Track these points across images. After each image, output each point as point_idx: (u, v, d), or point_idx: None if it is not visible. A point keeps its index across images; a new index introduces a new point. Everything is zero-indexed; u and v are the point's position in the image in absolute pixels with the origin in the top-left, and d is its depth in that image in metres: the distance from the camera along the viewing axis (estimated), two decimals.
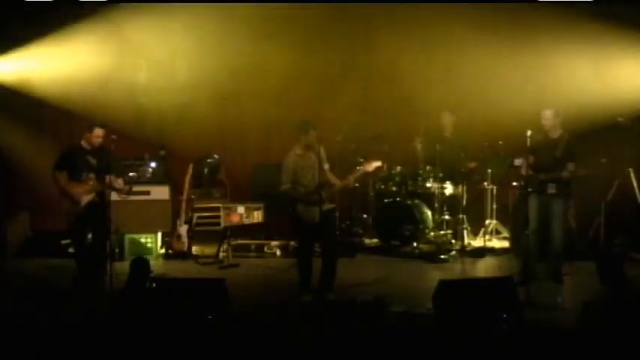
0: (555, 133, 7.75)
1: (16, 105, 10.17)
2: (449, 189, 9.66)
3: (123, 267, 7.55)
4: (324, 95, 10.20)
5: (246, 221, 9.39)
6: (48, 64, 10.10)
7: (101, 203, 7.80)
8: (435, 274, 7.58)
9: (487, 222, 9.95)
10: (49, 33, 9.88)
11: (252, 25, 10.11)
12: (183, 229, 9.23)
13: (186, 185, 9.26)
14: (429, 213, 9.57)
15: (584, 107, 9.19)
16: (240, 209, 9.38)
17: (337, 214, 7.48)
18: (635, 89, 9.70)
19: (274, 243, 9.57)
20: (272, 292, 7.61)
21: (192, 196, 9.48)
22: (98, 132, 7.92)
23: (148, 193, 9.39)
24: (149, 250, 9.16)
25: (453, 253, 9.34)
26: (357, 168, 7.77)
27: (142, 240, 9.28)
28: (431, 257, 9.12)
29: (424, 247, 9.39)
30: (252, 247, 9.70)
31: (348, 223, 10.07)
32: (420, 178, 9.67)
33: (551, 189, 7.68)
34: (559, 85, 9.57)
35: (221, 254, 9.17)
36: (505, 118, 9.45)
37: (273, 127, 10.53)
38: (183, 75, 10.55)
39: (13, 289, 7.38)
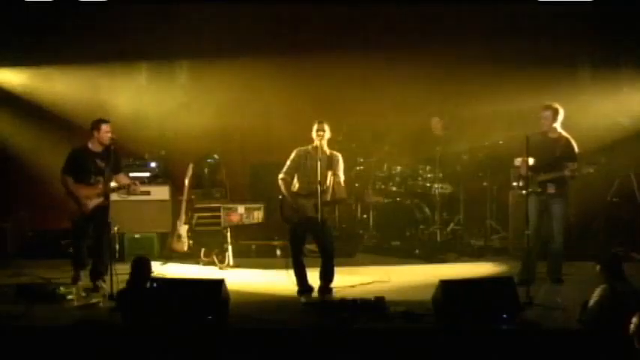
0: (554, 133, 7.75)
1: (17, 105, 10.17)
2: (448, 189, 9.66)
3: (123, 267, 7.56)
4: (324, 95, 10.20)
5: (246, 221, 9.39)
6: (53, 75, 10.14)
7: (105, 205, 7.77)
8: (435, 274, 7.56)
9: (487, 222, 9.95)
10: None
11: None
12: (183, 229, 9.22)
13: (187, 185, 9.26)
14: (429, 213, 9.57)
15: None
16: (241, 209, 9.39)
17: (327, 221, 7.40)
18: None
19: (274, 243, 9.57)
20: (272, 292, 7.60)
21: (193, 197, 9.48)
22: (107, 127, 7.83)
23: (148, 193, 9.40)
24: (149, 250, 9.15)
25: (453, 253, 9.36)
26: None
27: (142, 240, 9.28)
28: (431, 257, 9.13)
29: (424, 247, 9.37)
30: (253, 247, 9.70)
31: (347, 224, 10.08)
32: (420, 178, 9.67)
33: (551, 189, 7.68)
34: None
35: (221, 255, 9.16)
36: (505, 118, 9.47)
37: (273, 127, 10.53)
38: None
39: (13, 289, 7.36)
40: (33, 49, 9.88)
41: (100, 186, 7.78)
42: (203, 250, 9.21)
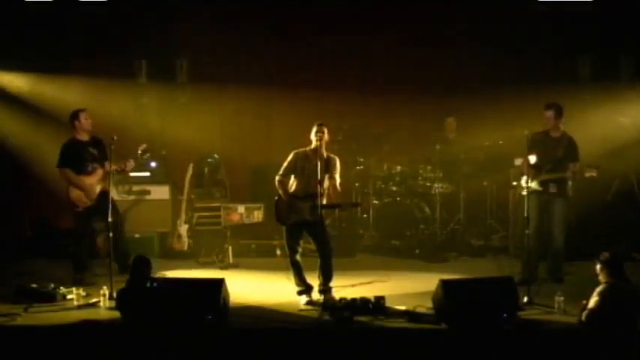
0: (557, 133, 7.74)
1: (17, 104, 10.17)
2: (448, 189, 9.66)
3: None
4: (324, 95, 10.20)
5: (246, 221, 9.40)
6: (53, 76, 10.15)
7: (107, 191, 7.85)
8: (435, 274, 7.56)
9: (487, 221, 9.94)
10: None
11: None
12: (183, 229, 9.23)
13: (187, 185, 9.26)
14: (429, 212, 9.57)
15: None
16: (241, 209, 9.39)
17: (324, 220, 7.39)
18: None
19: (274, 243, 9.56)
20: (271, 292, 7.60)
21: (193, 196, 9.48)
22: (85, 115, 8.03)
23: (148, 192, 9.40)
24: (149, 250, 9.14)
25: (453, 253, 9.36)
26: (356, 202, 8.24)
27: (142, 240, 9.28)
28: (431, 257, 9.13)
29: (424, 246, 9.37)
30: (252, 246, 9.70)
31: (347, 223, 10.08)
32: (420, 178, 9.67)
33: (552, 188, 7.68)
34: None
35: (221, 254, 9.16)
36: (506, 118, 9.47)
37: (273, 127, 10.53)
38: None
39: (13, 289, 7.36)
40: (33, 52, 9.91)
41: (100, 171, 7.95)
42: (203, 249, 9.22)
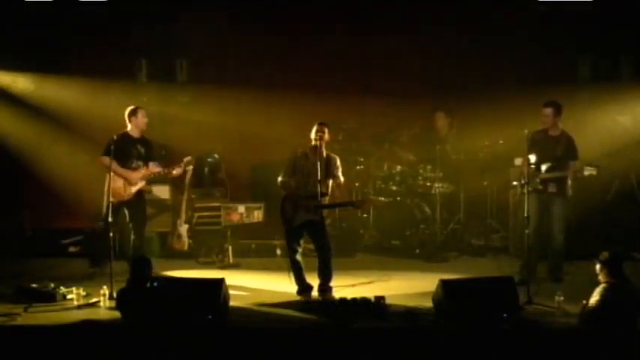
0: (556, 131, 7.74)
1: (17, 104, 10.17)
2: (449, 188, 9.65)
3: (122, 266, 7.57)
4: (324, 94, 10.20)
5: (246, 220, 9.39)
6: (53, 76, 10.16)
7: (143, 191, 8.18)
8: (435, 274, 7.56)
9: (487, 221, 9.94)
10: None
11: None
12: (183, 229, 9.23)
13: (187, 185, 9.26)
14: (430, 212, 9.57)
15: None
16: (241, 209, 9.39)
17: (324, 219, 7.40)
18: None
19: (274, 243, 9.56)
20: (271, 291, 7.61)
21: (193, 196, 9.48)
22: (143, 113, 8.23)
23: (150, 191, 9.39)
24: (149, 250, 9.14)
25: (453, 252, 9.35)
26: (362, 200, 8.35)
27: None
28: (431, 257, 9.12)
29: (424, 246, 9.37)
30: (253, 246, 9.70)
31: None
32: (420, 178, 9.67)
33: (552, 188, 7.68)
34: None
35: (221, 254, 9.16)
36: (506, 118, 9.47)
37: (273, 126, 10.52)
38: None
39: (13, 288, 7.36)
40: (33, 52, 9.91)
41: (143, 170, 8.14)
42: (203, 249, 9.22)
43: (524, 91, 9.66)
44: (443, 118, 9.81)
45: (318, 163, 7.10)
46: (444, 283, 6.38)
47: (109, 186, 7.62)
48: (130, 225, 8.17)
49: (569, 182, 7.69)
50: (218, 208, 9.39)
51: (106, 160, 7.74)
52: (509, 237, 9.54)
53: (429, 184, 9.59)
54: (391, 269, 8.60)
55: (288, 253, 7.34)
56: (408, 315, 6.41)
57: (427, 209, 9.58)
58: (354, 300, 6.69)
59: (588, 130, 8.83)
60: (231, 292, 6.68)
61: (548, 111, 7.69)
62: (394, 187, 9.80)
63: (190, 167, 8.45)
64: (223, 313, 6.37)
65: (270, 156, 10.08)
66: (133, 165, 8.16)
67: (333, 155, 7.36)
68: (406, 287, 7.68)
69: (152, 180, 8.48)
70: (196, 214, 9.44)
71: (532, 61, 10.09)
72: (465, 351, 5.89)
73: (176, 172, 8.29)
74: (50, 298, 7.08)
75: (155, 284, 6.50)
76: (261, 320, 6.50)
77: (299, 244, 7.32)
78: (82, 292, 7.06)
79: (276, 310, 6.88)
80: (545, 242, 7.80)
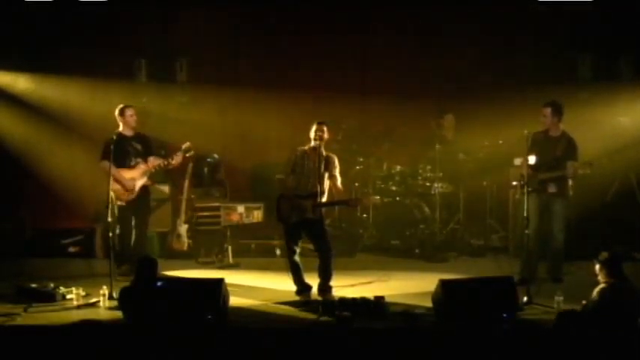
0: (556, 132, 7.74)
1: (17, 104, 10.16)
2: (448, 188, 9.65)
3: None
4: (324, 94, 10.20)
5: (246, 221, 9.39)
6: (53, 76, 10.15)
7: (148, 185, 8.24)
8: (435, 274, 7.55)
9: (487, 221, 9.94)
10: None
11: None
12: (183, 229, 9.22)
13: (186, 185, 9.26)
14: (429, 212, 9.56)
15: None
16: (240, 209, 9.38)
17: (324, 219, 7.41)
18: None
19: (274, 243, 9.56)
20: (271, 291, 7.60)
21: (192, 196, 9.48)
22: (131, 111, 8.28)
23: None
24: (149, 249, 9.13)
25: (453, 252, 9.35)
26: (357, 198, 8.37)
27: None
28: (431, 257, 9.12)
29: (424, 246, 9.36)
30: (252, 246, 9.69)
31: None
32: (420, 178, 9.67)
33: (552, 188, 7.68)
34: None
35: (220, 254, 9.16)
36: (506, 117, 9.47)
37: (273, 126, 10.52)
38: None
39: (13, 288, 7.36)
40: (33, 52, 9.91)
41: (142, 166, 8.18)
42: (203, 249, 9.21)
43: (524, 91, 9.67)
44: (452, 120, 9.83)
45: (318, 163, 7.10)
46: (443, 283, 6.38)
47: (109, 187, 7.62)
48: (133, 223, 8.20)
49: (570, 182, 7.70)
50: (218, 208, 9.38)
51: (106, 165, 7.75)
52: (509, 237, 9.54)
53: (428, 184, 9.59)
54: (391, 269, 8.60)
55: (287, 253, 7.34)
56: (408, 315, 6.40)
57: (427, 209, 9.58)
58: (353, 300, 6.69)
59: (588, 130, 8.82)
60: (231, 292, 6.67)
61: (547, 110, 7.69)
62: (394, 187, 9.80)
63: (191, 153, 8.47)
64: (223, 313, 6.37)
65: (270, 156, 10.09)
66: (132, 163, 8.20)
67: (331, 155, 7.36)
68: (406, 287, 7.68)
69: (154, 179, 8.53)
70: (196, 214, 9.44)
71: (532, 61, 10.09)
72: (464, 351, 5.89)
73: (175, 161, 8.31)
74: (50, 298, 7.08)
75: (160, 284, 6.50)
76: (261, 320, 6.50)
77: (297, 245, 7.31)
78: (82, 292, 7.06)
79: (276, 310, 6.88)
80: (545, 242, 7.79)
